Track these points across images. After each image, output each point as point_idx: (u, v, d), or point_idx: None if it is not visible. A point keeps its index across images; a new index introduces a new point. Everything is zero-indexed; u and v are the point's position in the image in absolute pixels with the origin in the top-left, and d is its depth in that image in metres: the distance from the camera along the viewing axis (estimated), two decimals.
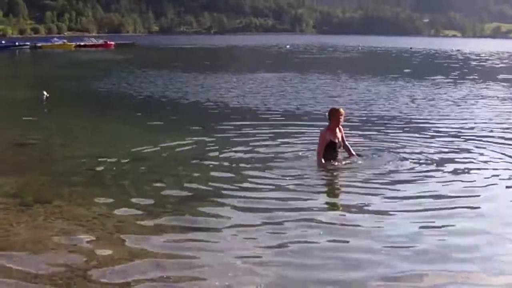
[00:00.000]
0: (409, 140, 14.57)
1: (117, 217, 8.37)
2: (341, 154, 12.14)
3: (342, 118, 11.97)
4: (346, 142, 12.25)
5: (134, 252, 7.02)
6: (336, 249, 7.21)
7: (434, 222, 8.19)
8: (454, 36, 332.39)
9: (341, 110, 12.15)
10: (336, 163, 11.76)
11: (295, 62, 58.67)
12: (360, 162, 11.95)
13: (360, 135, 15.15)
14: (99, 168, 11.48)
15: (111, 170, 11.39)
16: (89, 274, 6.39)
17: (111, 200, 9.18)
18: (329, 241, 7.49)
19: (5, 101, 24.19)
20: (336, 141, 11.91)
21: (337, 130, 11.99)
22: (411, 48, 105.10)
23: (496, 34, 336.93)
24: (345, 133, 12.30)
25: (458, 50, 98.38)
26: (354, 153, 12.22)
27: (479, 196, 9.55)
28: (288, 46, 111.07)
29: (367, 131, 16.17)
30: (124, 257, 6.87)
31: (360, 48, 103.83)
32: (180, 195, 9.51)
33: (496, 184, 10.38)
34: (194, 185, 10.13)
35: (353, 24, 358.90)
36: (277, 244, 7.26)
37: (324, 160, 11.70)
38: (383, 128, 16.76)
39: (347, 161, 11.93)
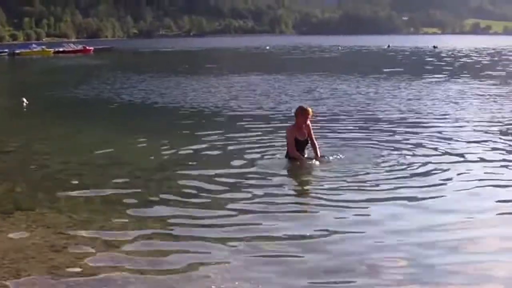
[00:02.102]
0: (390, 140, 14.51)
1: (99, 223, 8.31)
2: (308, 153, 12.23)
3: (309, 118, 12.02)
4: (315, 141, 12.29)
5: (117, 260, 6.98)
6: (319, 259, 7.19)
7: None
8: (434, 33, 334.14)
9: (310, 110, 12.19)
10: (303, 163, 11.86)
11: (276, 64, 58.71)
12: (327, 162, 11.97)
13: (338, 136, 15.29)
14: (80, 174, 11.41)
15: (92, 175, 11.34)
16: (72, 282, 6.35)
17: (92, 207, 9.14)
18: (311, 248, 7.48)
19: None
20: (302, 139, 11.99)
21: (303, 127, 12.03)
22: (388, 46, 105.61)
23: (475, 30, 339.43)
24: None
25: (435, 47, 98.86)
26: (319, 153, 12.17)
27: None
28: (268, 48, 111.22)
29: (346, 130, 16.37)
30: (108, 264, 6.83)
31: (339, 48, 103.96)
32: (162, 201, 9.46)
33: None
34: (175, 191, 10.05)
35: (332, 23, 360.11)
36: (258, 255, 7.16)
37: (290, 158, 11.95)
38: (363, 127, 16.84)
39: (313, 162, 11.94)
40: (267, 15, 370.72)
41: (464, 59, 60.43)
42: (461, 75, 37.44)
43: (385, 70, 42.57)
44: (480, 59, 60.98)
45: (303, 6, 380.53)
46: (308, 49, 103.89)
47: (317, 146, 12.25)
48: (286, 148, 12.25)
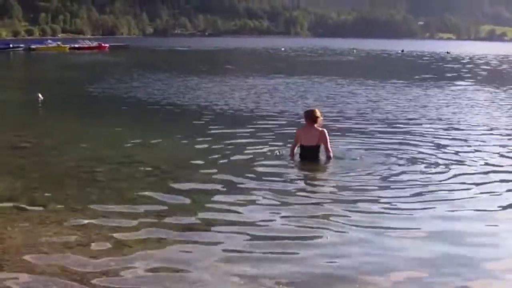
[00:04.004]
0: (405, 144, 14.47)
1: (112, 220, 8.32)
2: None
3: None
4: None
5: (129, 256, 6.98)
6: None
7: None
8: (449, 38, 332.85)
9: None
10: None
11: (294, 66, 58.01)
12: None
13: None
14: (94, 171, 11.42)
15: (107, 173, 11.35)
16: (85, 279, 6.34)
17: (106, 204, 9.13)
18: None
19: None
20: None
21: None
22: (402, 51, 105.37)
23: (491, 36, 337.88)
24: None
25: (448, 52, 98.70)
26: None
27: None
28: (283, 49, 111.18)
29: (373, 137, 16.14)
30: (120, 261, 6.83)
31: (354, 51, 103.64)
32: (175, 199, 9.47)
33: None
34: (190, 189, 10.10)
35: (347, 26, 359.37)
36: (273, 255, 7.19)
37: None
38: (391, 135, 16.51)
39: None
40: (283, 16, 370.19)
41: (485, 67, 59.93)
42: (486, 83, 37.15)
43: (406, 75, 42.27)
44: (504, 66, 60.72)
45: (319, 8, 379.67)
46: (325, 51, 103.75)
47: None
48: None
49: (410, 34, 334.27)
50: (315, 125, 12.39)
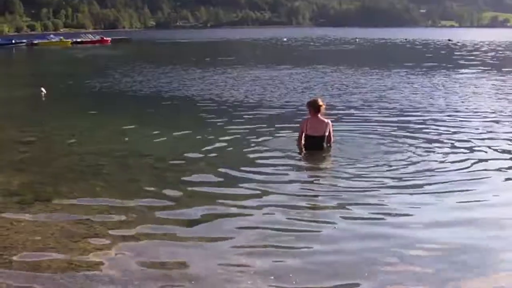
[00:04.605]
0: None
1: (117, 214, 8.31)
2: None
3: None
4: None
5: (135, 249, 6.96)
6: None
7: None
8: (452, 26, 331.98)
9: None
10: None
11: (295, 56, 58.13)
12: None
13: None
14: (99, 165, 11.42)
15: (111, 166, 11.34)
16: (91, 272, 6.33)
17: (111, 197, 9.13)
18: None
19: (3, 99, 24.02)
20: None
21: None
22: (406, 40, 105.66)
23: (494, 23, 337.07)
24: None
25: (450, 40, 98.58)
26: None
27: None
28: (285, 39, 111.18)
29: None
30: (126, 254, 6.82)
31: (357, 40, 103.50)
32: (180, 192, 9.44)
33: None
34: (194, 181, 10.10)
35: (349, 15, 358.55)
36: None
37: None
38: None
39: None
40: (284, 6, 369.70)
41: (491, 53, 59.72)
42: (492, 69, 36.99)
43: (411, 64, 41.84)
44: (509, 53, 60.57)
45: None
46: (330, 41, 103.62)
47: None
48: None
49: (412, 23, 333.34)
50: (319, 115, 12.36)
